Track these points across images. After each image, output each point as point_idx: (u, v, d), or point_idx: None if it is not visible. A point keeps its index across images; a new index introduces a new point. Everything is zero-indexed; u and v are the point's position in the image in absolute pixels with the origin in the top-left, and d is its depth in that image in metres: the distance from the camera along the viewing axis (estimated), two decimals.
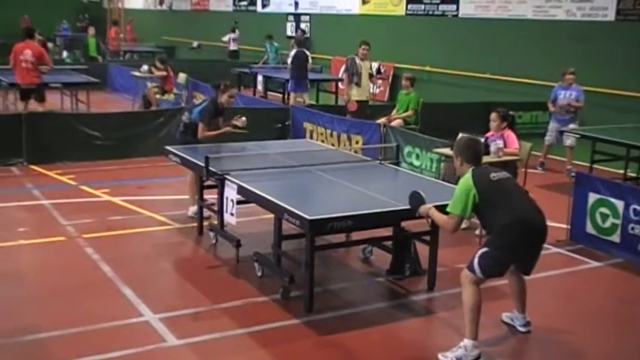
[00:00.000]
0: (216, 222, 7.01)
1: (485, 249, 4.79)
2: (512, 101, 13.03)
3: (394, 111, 11.60)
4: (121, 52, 23.99)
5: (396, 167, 7.22)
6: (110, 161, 10.35)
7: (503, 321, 5.43)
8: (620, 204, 6.93)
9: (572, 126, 10.55)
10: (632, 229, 6.82)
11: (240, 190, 5.97)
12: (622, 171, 9.79)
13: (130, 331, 5.18)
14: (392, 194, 5.72)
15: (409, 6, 17.86)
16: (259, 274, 6.20)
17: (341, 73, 14.47)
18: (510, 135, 7.68)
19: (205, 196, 7.36)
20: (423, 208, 5.11)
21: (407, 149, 9.89)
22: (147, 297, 5.69)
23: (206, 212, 7.41)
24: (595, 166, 9.81)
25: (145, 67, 14.85)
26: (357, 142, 10.58)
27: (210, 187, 7.06)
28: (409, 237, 6.31)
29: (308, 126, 11.65)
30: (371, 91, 13.63)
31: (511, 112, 8.09)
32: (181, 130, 7.89)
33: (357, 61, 12.02)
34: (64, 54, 25.05)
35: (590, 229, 7.25)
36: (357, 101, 11.94)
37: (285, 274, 5.80)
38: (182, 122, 7.94)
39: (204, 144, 7.52)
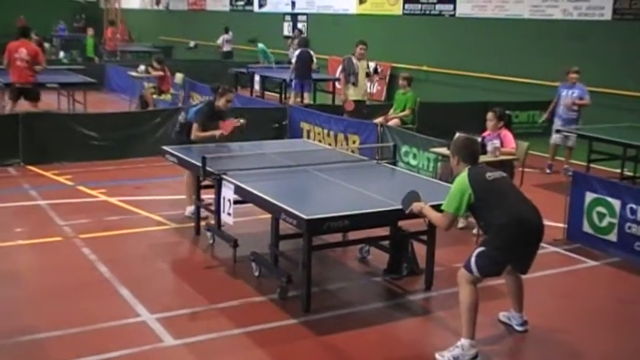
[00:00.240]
0: (213, 222, 7.00)
1: (482, 248, 4.79)
2: (509, 101, 13.04)
3: (391, 110, 11.64)
4: (118, 53, 23.97)
5: (393, 167, 7.22)
6: (107, 161, 10.33)
7: (501, 320, 5.43)
8: (616, 203, 6.93)
9: (572, 126, 10.52)
10: (629, 228, 6.83)
11: (237, 189, 5.97)
12: (619, 170, 9.80)
13: (127, 331, 5.17)
14: (389, 194, 5.71)
15: (406, 6, 17.87)
16: (256, 274, 6.19)
17: (338, 73, 14.47)
18: (507, 134, 7.69)
19: (202, 196, 7.36)
20: (415, 206, 5.10)
21: (404, 149, 9.89)
22: (144, 297, 5.69)
23: (203, 212, 7.39)
24: (592, 165, 9.83)
25: (142, 68, 14.83)
26: (354, 142, 10.58)
27: (207, 187, 7.05)
28: (406, 236, 6.31)
29: (305, 126, 11.65)
30: (368, 90, 13.62)
31: (508, 112, 8.11)
32: (177, 130, 7.88)
33: (354, 60, 11.99)
34: (61, 54, 25.03)
35: (587, 228, 7.25)
36: (354, 101, 11.93)
37: (282, 274, 5.80)
38: (178, 122, 7.94)
39: (200, 144, 7.51)
